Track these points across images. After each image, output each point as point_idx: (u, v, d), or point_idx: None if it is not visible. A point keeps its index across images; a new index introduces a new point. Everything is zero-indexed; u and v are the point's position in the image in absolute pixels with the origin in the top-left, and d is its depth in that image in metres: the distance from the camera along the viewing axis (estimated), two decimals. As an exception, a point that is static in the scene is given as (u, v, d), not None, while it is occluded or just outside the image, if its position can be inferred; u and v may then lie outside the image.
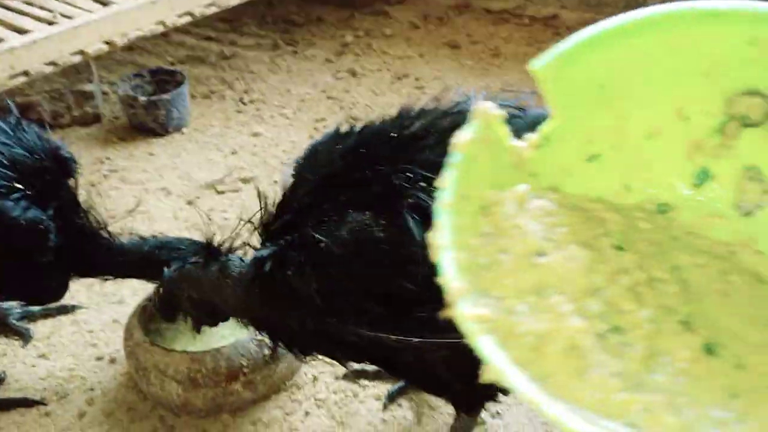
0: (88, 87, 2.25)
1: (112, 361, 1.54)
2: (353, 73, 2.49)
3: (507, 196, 0.41)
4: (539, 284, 0.37)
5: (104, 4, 2.02)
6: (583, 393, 0.35)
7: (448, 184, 0.38)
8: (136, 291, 1.70)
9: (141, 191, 2.00)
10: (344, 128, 1.14)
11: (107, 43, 1.97)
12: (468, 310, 0.35)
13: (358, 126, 1.12)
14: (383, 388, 1.42)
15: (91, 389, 1.48)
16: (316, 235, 1.00)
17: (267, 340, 1.28)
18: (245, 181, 2.00)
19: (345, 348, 1.11)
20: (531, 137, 0.42)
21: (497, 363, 0.33)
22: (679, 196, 0.44)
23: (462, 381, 1.08)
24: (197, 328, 1.29)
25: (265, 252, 1.06)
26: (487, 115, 0.39)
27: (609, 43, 0.39)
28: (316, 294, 1.00)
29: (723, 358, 0.38)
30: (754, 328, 0.39)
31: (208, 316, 1.26)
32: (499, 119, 0.39)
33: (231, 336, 1.47)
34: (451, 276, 0.35)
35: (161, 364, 1.35)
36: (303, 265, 1.01)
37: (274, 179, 2.00)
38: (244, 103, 2.36)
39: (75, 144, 2.14)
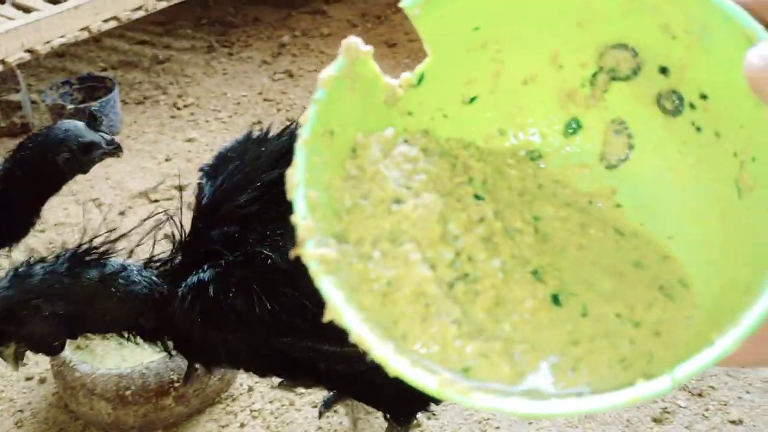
0: (15, 97, 2.19)
1: (42, 381, 1.50)
2: (290, 74, 2.46)
3: (373, 140, 0.40)
4: (394, 231, 0.38)
5: (26, 11, 1.96)
6: (424, 338, 0.36)
7: (308, 120, 0.37)
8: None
9: (71, 202, 1.95)
10: (257, 132, 1.11)
11: (29, 51, 1.91)
12: (312, 250, 0.34)
13: (292, 126, 1.09)
14: (319, 395, 1.41)
15: (21, 411, 1.44)
16: (264, 251, 0.96)
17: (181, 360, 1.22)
18: (180, 188, 1.97)
19: (291, 366, 1.08)
20: (405, 75, 0.41)
21: (335, 302, 0.33)
22: (549, 144, 0.45)
23: (396, 392, 1.07)
24: (24, 356, 1.05)
25: (206, 275, 1.00)
26: (354, 51, 0.38)
27: None
28: (267, 314, 0.96)
29: (569, 306, 0.39)
30: (607, 277, 0.40)
31: (68, 332, 1.06)
32: (367, 56, 0.39)
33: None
34: (301, 214, 0.35)
35: (89, 383, 1.32)
36: (250, 285, 0.97)
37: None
38: (178, 108, 2.31)
39: (3, 156, 2.08)
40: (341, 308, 0.33)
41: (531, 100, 0.44)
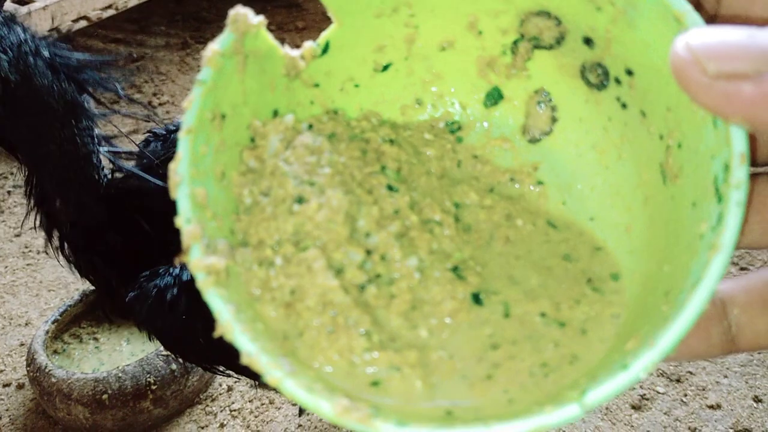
0: (-14, 99, 2.16)
1: (20, 387, 1.49)
2: (266, 69, 2.45)
3: (271, 129, 0.37)
4: (298, 233, 0.35)
5: (-6, 13, 1.93)
6: (331, 352, 0.33)
7: (192, 105, 0.33)
8: (43, 311, 1.65)
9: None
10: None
11: (-1, 54, 1.89)
12: (198, 259, 0.31)
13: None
14: (298, 393, 1.40)
15: (-2, 417, 1.43)
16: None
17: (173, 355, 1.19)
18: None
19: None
20: (308, 44, 0.38)
21: (225, 319, 0.30)
22: (470, 116, 0.42)
23: None
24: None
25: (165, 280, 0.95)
26: (243, 23, 0.34)
27: None
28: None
29: (491, 306, 0.36)
30: (534, 272, 0.38)
31: None
32: (259, 27, 0.35)
33: (142, 352, 1.44)
34: (185, 217, 0.31)
35: (65, 388, 1.31)
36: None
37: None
38: (153, 106, 2.29)
39: (-24, 160, 2.06)
40: (231, 326, 0.30)
41: (449, 68, 0.42)
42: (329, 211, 0.35)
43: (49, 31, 1.96)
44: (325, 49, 0.38)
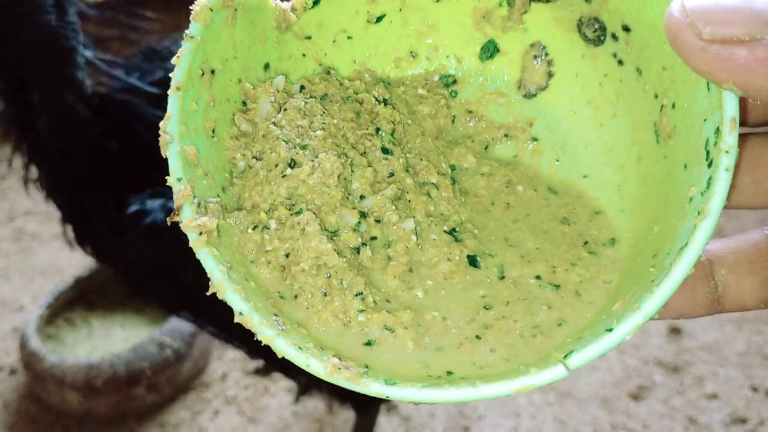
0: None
1: (13, 371, 1.48)
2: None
3: (262, 91, 0.36)
4: (291, 197, 0.35)
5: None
6: (326, 314, 0.33)
7: (181, 61, 0.32)
8: (36, 296, 1.64)
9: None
10: None
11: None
12: (190, 218, 0.31)
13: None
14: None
15: (-9, 403, 1.42)
16: None
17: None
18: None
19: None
20: None
21: (217, 278, 0.30)
22: (465, 69, 0.42)
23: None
24: None
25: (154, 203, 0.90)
26: None
27: None
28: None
29: (486, 269, 0.36)
30: (530, 235, 0.38)
31: None
32: None
33: (136, 338, 1.43)
34: (176, 175, 0.31)
35: (58, 373, 1.30)
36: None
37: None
38: (148, 91, 2.28)
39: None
40: (224, 284, 0.30)
41: (444, 19, 0.41)
42: (322, 174, 0.35)
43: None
44: (317, 1, 0.38)
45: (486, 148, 0.41)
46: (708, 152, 0.30)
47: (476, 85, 0.42)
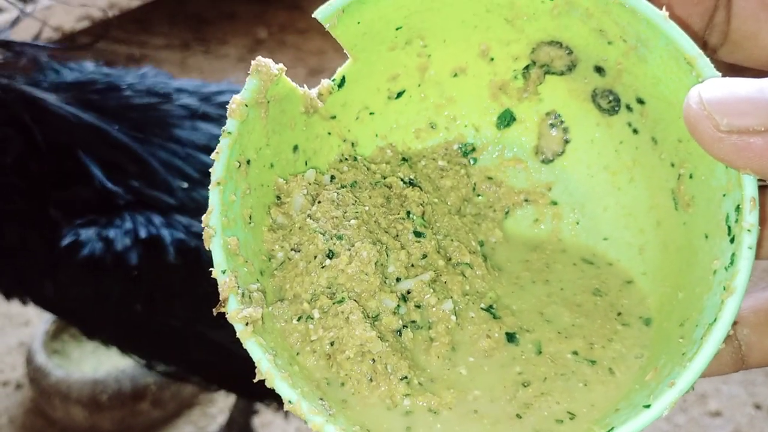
0: (-13, 98, 2.16)
1: (19, 386, 1.48)
2: (267, 71, 2.44)
3: (294, 186, 0.38)
4: (331, 286, 0.36)
5: (-4, 12, 1.93)
6: (372, 399, 0.34)
7: (221, 156, 0.34)
8: (42, 311, 1.64)
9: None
10: None
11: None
12: (236, 310, 0.32)
13: None
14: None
15: (-3, 417, 1.43)
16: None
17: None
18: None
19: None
20: (325, 83, 0.39)
21: (266, 368, 0.32)
22: (483, 137, 0.43)
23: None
24: None
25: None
26: (266, 73, 0.36)
27: None
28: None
29: (523, 345, 0.37)
30: (566, 310, 0.39)
31: None
32: (280, 74, 0.36)
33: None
34: (221, 268, 0.33)
35: (64, 388, 1.31)
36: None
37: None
38: (154, 107, 2.29)
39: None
40: (272, 374, 0.31)
41: (462, 92, 0.43)
42: (360, 262, 0.36)
43: (53, 30, 1.96)
44: (341, 84, 0.40)
45: (507, 213, 0.43)
46: (729, 227, 0.32)
47: (494, 152, 0.44)
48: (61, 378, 1.31)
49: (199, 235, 0.79)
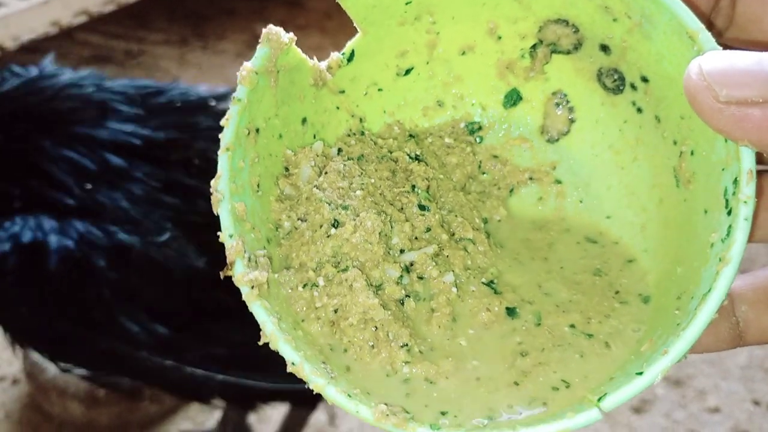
0: (-15, 93, 2.15)
1: (15, 381, 1.48)
2: (266, 67, 2.44)
3: (302, 157, 0.39)
4: (336, 255, 0.37)
5: (-7, 6, 1.92)
6: (373, 365, 0.35)
7: (230, 122, 0.35)
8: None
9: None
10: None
11: (-2, 47, 1.88)
12: (242, 273, 0.33)
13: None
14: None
15: (-7, 413, 1.42)
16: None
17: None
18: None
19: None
20: (334, 55, 0.40)
21: (270, 330, 0.32)
22: (489, 116, 0.44)
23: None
24: None
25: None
26: (276, 41, 0.36)
27: None
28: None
29: (523, 317, 0.38)
30: (564, 287, 0.40)
31: None
32: (290, 43, 0.37)
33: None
34: (228, 232, 0.34)
35: (61, 384, 1.31)
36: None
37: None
38: (152, 103, 2.29)
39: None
40: (276, 336, 0.32)
41: (469, 71, 0.43)
42: (364, 232, 0.37)
43: (50, 25, 1.95)
44: (350, 58, 0.40)
45: (511, 191, 0.44)
46: (727, 201, 0.32)
47: (501, 131, 0.44)
48: (58, 373, 1.31)
49: (91, 243, 0.80)
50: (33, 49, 2.48)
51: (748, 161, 0.31)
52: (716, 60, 0.30)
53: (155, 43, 2.60)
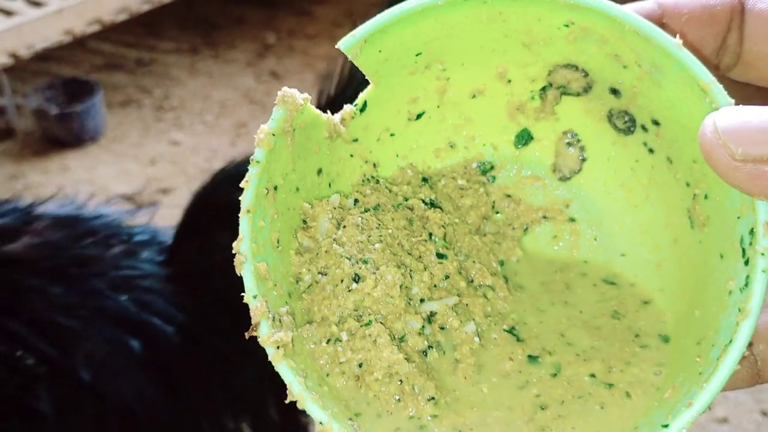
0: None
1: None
2: (275, 76, 2.45)
3: (320, 211, 0.40)
4: (358, 308, 0.37)
5: (8, 14, 1.95)
6: (400, 419, 0.35)
7: (249, 185, 0.36)
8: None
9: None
10: None
11: (13, 56, 1.90)
12: (268, 334, 0.34)
13: None
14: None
15: None
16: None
17: None
18: (164, 192, 1.96)
19: None
20: (347, 108, 0.41)
21: (297, 390, 0.33)
22: (501, 156, 0.45)
23: None
24: None
25: None
26: (292, 103, 0.37)
27: (417, 20, 0.38)
28: None
29: (543, 366, 0.38)
30: (585, 332, 0.40)
31: None
32: (305, 103, 0.38)
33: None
34: (252, 293, 0.34)
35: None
36: None
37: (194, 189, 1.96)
38: (163, 110, 2.31)
39: (-14, 160, 2.07)
40: (303, 396, 0.32)
41: (480, 113, 0.44)
42: (385, 286, 0.37)
43: (63, 33, 1.97)
44: (363, 108, 0.41)
45: (526, 230, 0.44)
46: (744, 249, 0.33)
47: (513, 170, 0.45)
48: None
49: None
50: (47, 57, 2.51)
51: (764, 213, 0.32)
52: (730, 117, 0.30)
53: (166, 51, 2.62)
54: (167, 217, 1.92)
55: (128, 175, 2.03)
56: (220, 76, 2.47)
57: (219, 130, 2.20)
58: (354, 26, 0.40)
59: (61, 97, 2.15)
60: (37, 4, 1.99)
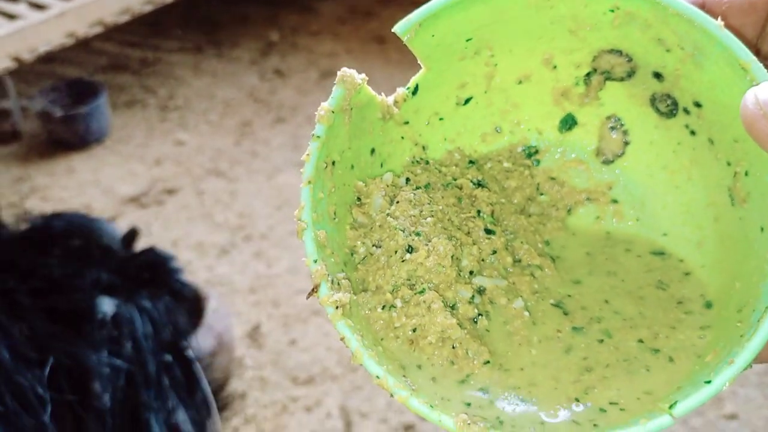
0: (4, 104, 2.18)
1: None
2: (280, 74, 2.45)
3: (374, 188, 0.42)
4: (411, 278, 0.39)
5: (10, 18, 1.95)
6: (452, 382, 0.37)
7: (311, 157, 0.38)
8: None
9: (62, 209, 1.94)
10: None
11: (16, 59, 1.90)
12: (327, 295, 0.36)
13: None
14: (311, 400, 1.41)
15: None
16: None
17: None
18: (170, 192, 1.96)
19: None
20: (400, 91, 0.43)
21: (355, 346, 0.35)
22: (546, 140, 0.46)
23: None
24: None
25: None
26: (350, 83, 0.39)
27: (469, 5, 0.40)
28: None
29: (590, 333, 0.40)
30: (630, 301, 0.41)
31: None
32: (363, 83, 0.40)
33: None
34: (312, 257, 0.36)
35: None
36: None
37: (199, 189, 1.96)
38: (168, 110, 2.31)
39: (-8, 163, 2.08)
40: (360, 352, 0.34)
41: (526, 98, 0.45)
42: (437, 256, 0.39)
43: (66, 36, 1.97)
44: (415, 92, 0.43)
45: (569, 212, 0.46)
46: None
47: (557, 154, 0.47)
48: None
49: None
50: (51, 59, 2.51)
51: None
52: None
53: (170, 50, 2.62)
54: (172, 218, 1.93)
55: (133, 176, 2.03)
56: (224, 74, 2.47)
57: (223, 130, 2.20)
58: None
59: (65, 99, 2.16)
60: (40, 7, 1.99)
